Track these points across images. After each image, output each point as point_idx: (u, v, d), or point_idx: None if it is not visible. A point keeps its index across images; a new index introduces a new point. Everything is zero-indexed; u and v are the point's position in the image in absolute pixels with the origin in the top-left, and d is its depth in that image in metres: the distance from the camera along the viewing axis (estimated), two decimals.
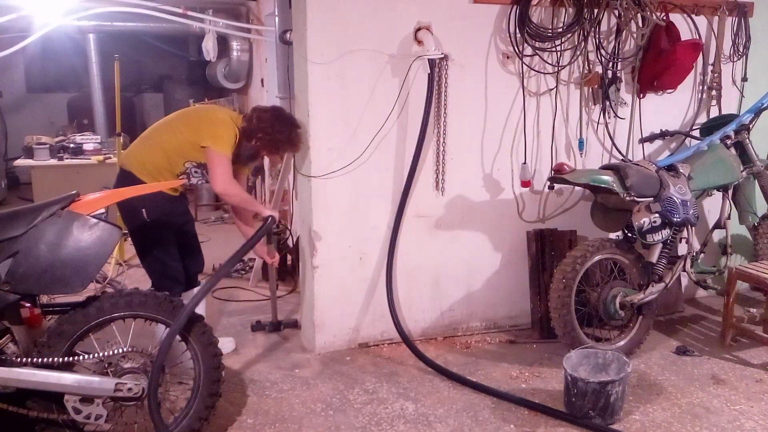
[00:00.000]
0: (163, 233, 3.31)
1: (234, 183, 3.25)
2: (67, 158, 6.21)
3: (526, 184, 3.91)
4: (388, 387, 3.34)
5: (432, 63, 3.50)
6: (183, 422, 2.66)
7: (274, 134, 3.30)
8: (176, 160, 3.26)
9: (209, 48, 6.69)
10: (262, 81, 6.82)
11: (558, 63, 3.81)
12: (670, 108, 4.24)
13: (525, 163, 3.89)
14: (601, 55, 3.89)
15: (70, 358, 2.47)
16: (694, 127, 4.29)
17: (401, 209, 3.66)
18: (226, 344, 3.57)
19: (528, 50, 3.72)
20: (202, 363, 2.69)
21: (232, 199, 3.33)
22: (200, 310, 3.48)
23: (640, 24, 3.87)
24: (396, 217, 3.67)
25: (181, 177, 3.29)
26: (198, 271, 3.64)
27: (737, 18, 4.25)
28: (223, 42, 7.07)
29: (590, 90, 3.98)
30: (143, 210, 3.21)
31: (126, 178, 3.25)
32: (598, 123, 4.05)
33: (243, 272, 5.14)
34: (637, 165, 3.57)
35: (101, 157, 6.23)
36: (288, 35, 4.75)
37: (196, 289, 3.57)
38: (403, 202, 3.66)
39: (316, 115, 3.48)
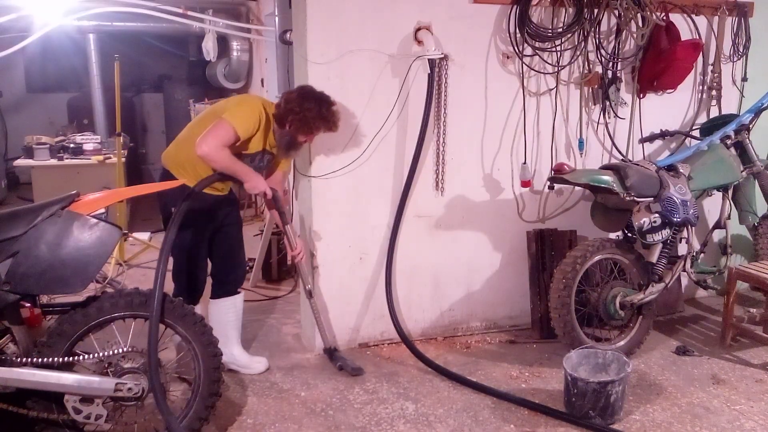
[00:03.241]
0: (188, 234, 3.16)
1: (223, 150, 2.97)
2: (67, 158, 6.21)
3: (526, 184, 3.91)
4: (388, 387, 3.34)
5: (432, 63, 3.50)
6: (183, 422, 2.66)
7: (303, 113, 3.08)
8: None
9: (209, 48, 6.69)
10: (262, 81, 6.82)
11: (558, 63, 3.81)
12: (670, 108, 4.24)
13: (525, 163, 3.89)
14: (601, 55, 3.89)
15: (70, 358, 2.47)
16: (694, 127, 4.29)
17: (401, 209, 3.66)
18: (255, 365, 3.48)
19: (528, 50, 3.72)
20: (202, 363, 2.69)
21: (215, 162, 2.99)
22: (233, 320, 3.44)
23: (640, 24, 3.87)
24: (396, 217, 3.67)
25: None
26: (235, 279, 3.47)
27: (737, 18, 4.25)
28: (223, 42, 7.07)
29: (590, 90, 3.98)
30: (173, 209, 3.07)
31: (165, 177, 3.17)
32: (598, 123, 4.05)
33: None
34: (637, 165, 3.57)
35: (101, 157, 6.22)
36: (288, 35, 4.75)
37: (230, 300, 3.43)
38: (403, 202, 3.66)
39: None
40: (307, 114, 3.10)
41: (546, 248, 3.90)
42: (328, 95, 3.21)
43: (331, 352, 3.60)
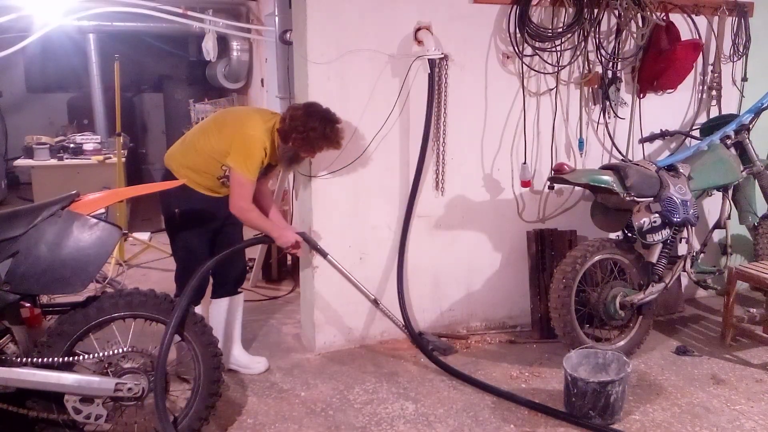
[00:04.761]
0: (191, 235, 3.20)
1: (251, 206, 3.14)
2: (67, 158, 6.20)
3: (526, 184, 3.92)
4: (388, 387, 3.34)
5: (432, 63, 3.50)
6: (183, 422, 2.66)
7: (307, 132, 3.08)
8: (212, 162, 3.15)
9: (209, 48, 6.69)
10: (262, 81, 6.82)
11: (558, 63, 3.81)
12: (670, 108, 4.24)
13: (525, 163, 3.89)
14: (601, 55, 3.89)
15: (70, 358, 2.47)
16: (694, 127, 4.30)
17: (409, 211, 3.67)
18: (255, 365, 3.49)
19: (528, 50, 3.73)
20: (202, 363, 2.69)
21: (246, 222, 3.24)
22: (234, 320, 3.46)
23: (640, 24, 3.87)
24: (405, 219, 3.68)
25: (221, 180, 3.18)
26: (236, 278, 3.47)
27: (737, 18, 4.25)
28: (223, 42, 7.06)
29: (590, 90, 3.98)
30: (176, 209, 3.17)
31: (167, 177, 3.19)
32: (598, 123, 4.05)
33: None
34: (637, 165, 3.57)
35: (101, 157, 6.22)
36: (288, 35, 4.75)
37: (230, 300, 3.45)
38: (411, 203, 3.67)
39: None
40: (310, 134, 3.10)
41: (546, 248, 3.90)
42: (333, 113, 3.19)
43: (419, 339, 3.71)
